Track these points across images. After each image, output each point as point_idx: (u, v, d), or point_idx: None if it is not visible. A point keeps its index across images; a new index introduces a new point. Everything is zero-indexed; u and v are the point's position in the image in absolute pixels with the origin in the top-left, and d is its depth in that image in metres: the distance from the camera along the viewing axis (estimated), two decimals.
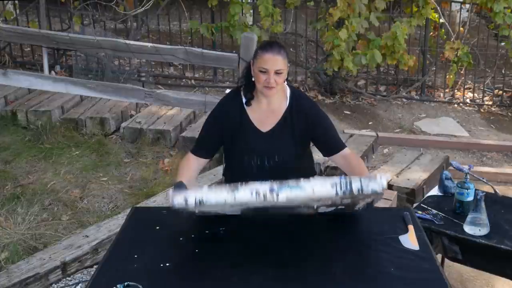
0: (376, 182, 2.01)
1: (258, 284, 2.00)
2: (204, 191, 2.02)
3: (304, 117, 2.56)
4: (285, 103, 2.58)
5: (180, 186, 2.36)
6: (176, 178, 2.53)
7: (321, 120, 2.62)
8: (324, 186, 2.01)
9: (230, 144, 2.64)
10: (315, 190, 2.02)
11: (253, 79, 2.51)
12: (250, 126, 2.57)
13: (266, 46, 2.47)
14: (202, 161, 2.68)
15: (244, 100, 2.58)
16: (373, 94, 6.88)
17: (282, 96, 2.57)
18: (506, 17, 6.00)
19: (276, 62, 2.42)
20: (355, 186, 2.02)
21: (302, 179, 2.02)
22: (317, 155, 3.09)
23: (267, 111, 2.57)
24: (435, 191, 3.25)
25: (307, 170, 2.76)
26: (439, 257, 2.83)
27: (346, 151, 2.61)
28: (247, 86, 2.56)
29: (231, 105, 2.61)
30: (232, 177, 2.71)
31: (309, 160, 2.81)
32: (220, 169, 4.19)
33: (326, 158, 2.70)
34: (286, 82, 2.58)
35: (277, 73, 2.43)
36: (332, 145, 2.62)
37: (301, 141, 2.61)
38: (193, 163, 2.64)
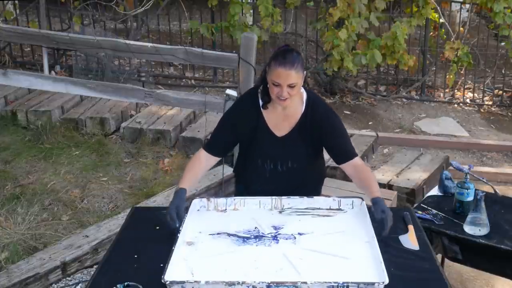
0: None
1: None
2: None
3: (319, 124, 2.54)
4: (301, 108, 2.55)
5: (180, 197, 2.38)
6: (180, 181, 2.50)
7: (335, 129, 2.58)
8: None
9: (245, 145, 2.65)
10: None
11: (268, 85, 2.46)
12: (266, 130, 2.56)
13: (280, 58, 2.37)
14: (213, 160, 2.66)
15: (261, 103, 2.55)
16: (373, 94, 6.88)
17: (298, 101, 2.53)
18: (506, 17, 6.00)
19: (288, 76, 2.35)
20: None
21: (299, 282, 1.93)
22: None
23: (283, 115, 2.55)
24: (435, 191, 3.25)
25: (317, 175, 2.78)
26: (439, 257, 2.83)
27: (357, 161, 2.57)
28: (265, 89, 2.50)
29: (248, 106, 2.59)
30: (244, 176, 2.76)
31: (321, 164, 2.80)
32: (220, 169, 4.20)
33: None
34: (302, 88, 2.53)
35: (290, 86, 2.37)
36: (343, 153, 2.58)
37: (314, 148, 2.62)
38: (203, 161, 2.62)
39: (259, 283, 1.92)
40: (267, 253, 2.17)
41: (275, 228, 2.35)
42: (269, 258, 2.14)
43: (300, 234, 2.30)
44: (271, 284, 1.93)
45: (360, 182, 2.54)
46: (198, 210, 2.51)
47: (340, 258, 2.13)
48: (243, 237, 2.28)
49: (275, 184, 2.62)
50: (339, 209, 2.50)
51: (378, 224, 2.26)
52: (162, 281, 1.93)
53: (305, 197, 2.54)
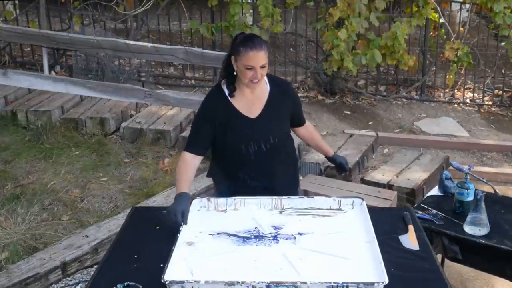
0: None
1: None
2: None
3: (286, 97, 2.74)
4: (266, 87, 2.70)
5: (185, 201, 2.42)
6: (177, 187, 2.53)
7: (296, 98, 2.86)
8: None
9: (223, 137, 2.67)
10: None
11: (234, 73, 2.59)
12: (239, 116, 2.64)
13: (249, 43, 2.50)
14: (198, 159, 2.70)
15: (227, 92, 2.65)
16: (373, 94, 6.88)
17: (262, 82, 2.66)
18: (506, 17, 5.99)
19: (260, 57, 2.50)
20: None
21: (299, 282, 1.96)
22: (317, 155, 3.12)
23: (252, 98, 2.67)
24: (435, 191, 3.25)
25: (292, 149, 2.90)
26: (439, 257, 2.83)
27: (308, 123, 2.97)
28: (229, 79, 2.64)
29: (216, 99, 2.67)
30: (227, 169, 2.76)
31: (292, 140, 2.90)
32: None
33: (321, 156, 3.03)
34: None
35: (262, 67, 2.52)
36: (301, 119, 2.90)
37: (286, 120, 2.78)
38: (190, 163, 2.66)
39: (258, 283, 1.93)
40: (267, 253, 2.17)
41: (275, 228, 2.35)
42: (269, 258, 2.14)
43: (300, 234, 2.30)
44: (270, 284, 1.93)
45: (313, 142, 3.01)
46: (198, 210, 2.52)
47: (340, 258, 2.13)
48: (243, 237, 2.29)
49: (261, 166, 2.69)
50: (339, 209, 2.50)
51: (339, 169, 2.98)
52: (162, 281, 1.93)
53: (306, 197, 2.57)
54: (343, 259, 2.12)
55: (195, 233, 2.32)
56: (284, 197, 2.53)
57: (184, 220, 2.33)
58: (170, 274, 1.98)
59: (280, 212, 2.50)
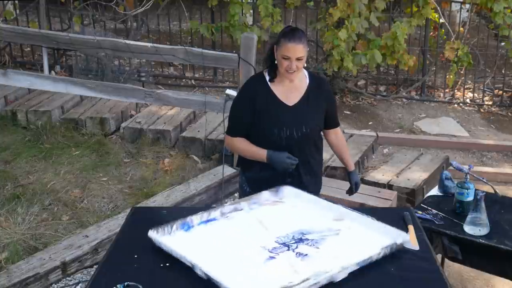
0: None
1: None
2: None
3: (324, 95, 2.87)
4: (306, 81, 2.84)
5: (279, 152, 2.72)
6: (258, 152, 2.77)
7: (332, 97, 3.01)
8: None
9: (258, 120, 2.78)
10: None
11: (275, 62, 2.73)
12: (276, 101, 2.77)
13: (289, 34, 2.65)
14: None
15: (268, 78, 2.79)
16: (373, 94, 6.88)
17: (302, 75, 2.82)
18: (506, 17, 5.99)
19: (297, 50, 2.63)
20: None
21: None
22: None
23: (291, 87, 2.80)
24: (435, 191, 3.25)
25: (321, 145, 2.98)
26: (439, 257, 2.83)
27: (339, 130, 3.08)
28: (271, 67, 2.78)
29: (257, 83, 2.82)
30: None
31: (322, 137, 3.01)
32: (220, 169, 4.20)
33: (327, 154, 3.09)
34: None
35: (298, 59, 2.65)
36: (334, 120, 3.00)
37: (321, 115, 2.88)
38: (244, 140, 2.83)
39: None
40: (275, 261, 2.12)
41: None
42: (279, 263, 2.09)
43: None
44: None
45: (338, 150, 3.08)
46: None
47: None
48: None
49: (291, 153, 2.77)
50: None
51: (350, 190, 3.08)
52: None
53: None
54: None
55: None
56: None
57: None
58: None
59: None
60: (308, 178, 2.86)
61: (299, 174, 2.82)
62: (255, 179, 2.87)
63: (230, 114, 2.89)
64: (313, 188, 2.87)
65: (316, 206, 2.51)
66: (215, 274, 1.93)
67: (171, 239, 2.24)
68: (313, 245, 2.19)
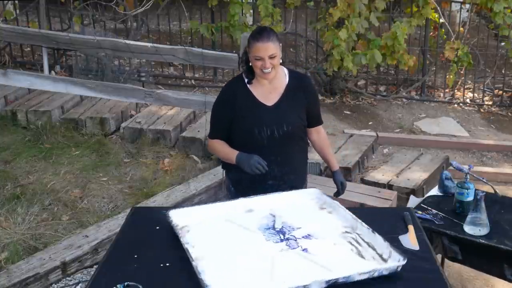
0: None
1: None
2: None
3: (304, 93, 2.83)
4: (285, 80, 2.81)
5: (247, 155, 2.68)
6: (230, 153, 2.76)
7: (314, 95, 2.95)
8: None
9: (238, 121, 2.77)
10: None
11: (250, 64, 2.72)
12: (256, 102, 2.76)
13: (257, 35, 2.64)
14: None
15: (246, 81, 2.78)
16: (373, 94, 6.88)
17: (281, 73, 2.79)
18: (506, 17, 6.00)
19: (268, 48, 2.61)
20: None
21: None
22: (317, 155, 3.12)
23: (270, 88, 2.78)
24: (435, 191, 3.25)
25: (305, 143, 2.95)
26: (439, 257, 2.82)
27: (322, 128, 3.01)
28: (248, 70, 2.76)
29: (236, 86, 2.81)
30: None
31: (306, 135, 2.96)
32: (220, 169, 4.19)
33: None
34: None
35: (271, 57, 2.63)
36: (316, 118, 2.96)
37: (302, 113, 2.83)
38: (223, 143, 2.83)
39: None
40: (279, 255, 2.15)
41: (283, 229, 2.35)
42: (285, 258, 2.12)
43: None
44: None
45: (320, 149, 3.01)
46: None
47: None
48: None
49: (272, 153, 2.75)
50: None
51: (337, 192, 2.95)
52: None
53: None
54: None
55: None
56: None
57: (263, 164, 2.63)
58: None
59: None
60: (292, 178, 2.83)
61: (282, 174, 2.80)
62: (237, 180, 2.87)
63: (210, 117, 2.88)
64: (299, 187, 2.82)
65: (333, 214, 2.48)
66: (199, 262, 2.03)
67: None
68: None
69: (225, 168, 2.99)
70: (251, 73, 2.75)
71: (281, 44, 2.70)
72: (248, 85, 2.77)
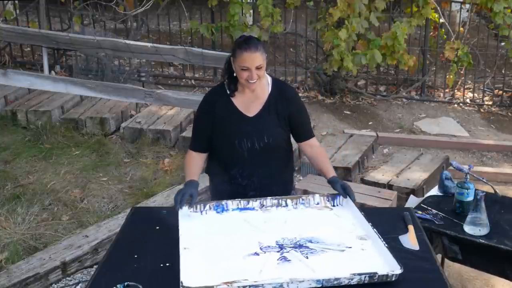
0: None
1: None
2: None
3: (287, 102, 2.72)
4: (268, 89, 2.72)
5: (193, 186, 2.54)
6: (186, 176, 2.65)
7: (301, 109, 2.80)
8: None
9: (219, 132, 2.72)
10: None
11: (234, 74, 2.64)
12: (237, 113, 2.69)
13: (244, 44, 2.56)
14: (203, 156, 2.78)
15: (228, 92, 2.71)
16: (373, 94, 6.88)
17: (264, 82, 2.71)
18: (506, 17, 5.99)
19: (255, 59, 2.54)
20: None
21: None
22: None
23: (252, 97, 2.70)
24: (435, 191, 3.25)
25: (289, 153, 2.87)
26: (439, 257, 2.82)
27: (314, 141, 2.82)
28: (230, 80, 2.69)
29: (217, 96, 2.74)
30: (219, 167, 2.79)
31: (290, 145, 2.88)
32: None
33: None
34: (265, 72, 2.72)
35: (258, 68, 2.56)
36: (305, 132, 2.81)
37: (284, 124, 2.74)
38: (196, 157, 2.75)
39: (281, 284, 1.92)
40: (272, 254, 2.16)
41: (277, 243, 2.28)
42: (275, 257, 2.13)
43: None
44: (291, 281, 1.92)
45: (316, 163, 2.78)
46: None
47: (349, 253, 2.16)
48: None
49: (253, 164, 2.70)
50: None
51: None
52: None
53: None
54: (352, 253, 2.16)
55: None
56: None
57: (192, 202, 2.47)
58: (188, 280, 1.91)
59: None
60: (274, 189, 2.70)
61: (263, 186, 2.71)
62: (220, 191, 2.78)
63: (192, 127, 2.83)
64: (279, 194, 2.69)
65: (353, 220, 2.44)
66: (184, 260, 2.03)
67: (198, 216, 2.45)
68: (306, 254, 2.16)
69: (208, 174, 2.94)
70: (233, 83, 2.68)
71: (266, 55, 2.62)
72: (230, 97, 2.70)
